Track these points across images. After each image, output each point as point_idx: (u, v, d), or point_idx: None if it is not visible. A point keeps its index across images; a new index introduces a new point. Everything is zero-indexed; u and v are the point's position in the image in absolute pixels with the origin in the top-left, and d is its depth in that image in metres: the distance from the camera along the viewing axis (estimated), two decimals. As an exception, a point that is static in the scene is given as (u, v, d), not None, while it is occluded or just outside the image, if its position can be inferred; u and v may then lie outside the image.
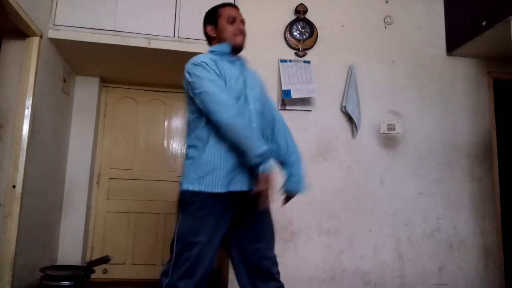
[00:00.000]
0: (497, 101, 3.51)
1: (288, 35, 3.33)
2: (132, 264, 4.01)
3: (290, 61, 3.28)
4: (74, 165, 3.85)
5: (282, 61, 3.26)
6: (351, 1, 3.48)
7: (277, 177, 1.67)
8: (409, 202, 3.27)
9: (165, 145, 4.29)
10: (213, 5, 1.96)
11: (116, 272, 3.96)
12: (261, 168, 1.56)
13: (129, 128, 4.22)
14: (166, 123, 4.32)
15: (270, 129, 1.98)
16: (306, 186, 1.94)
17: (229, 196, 1.66)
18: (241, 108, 1.72)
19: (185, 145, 1.87)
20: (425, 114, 3.39)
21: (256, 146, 1.59)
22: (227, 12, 1.88)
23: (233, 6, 1.94)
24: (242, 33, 1.88)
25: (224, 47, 1.86)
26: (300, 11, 3.35)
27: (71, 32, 3.13)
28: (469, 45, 3.28)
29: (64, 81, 3.58)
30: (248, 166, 1.62)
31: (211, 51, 1.87)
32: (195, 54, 3.24)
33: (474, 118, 3.44)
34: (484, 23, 3.02)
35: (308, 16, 3.36)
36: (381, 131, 3.26)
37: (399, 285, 3.14)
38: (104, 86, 4.21)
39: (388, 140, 3.31)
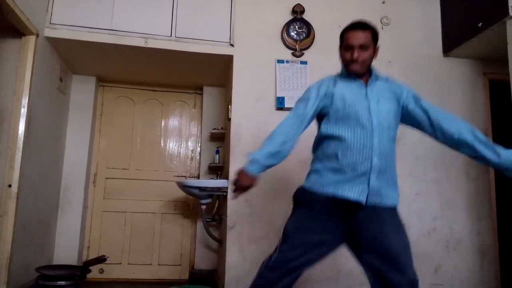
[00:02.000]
0: (493, 102, 3.52)
1: (285, 35, 3.33)
2: (129, 264, 4.01)
3: (287, 61, 3.29)
4: (71, 165, 3.84)
5: (279, 61, 3.27)
6: (347, 2, 3.49)
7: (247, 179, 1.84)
8: (406, 202, 3.26)
9: (162, 144, 4.28)
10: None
11: (113, 272, 3.96)
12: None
13: (126, 127, 4.22)
14: (163, 123, 4.32)
15: (432, 128, 1.88)
16: None
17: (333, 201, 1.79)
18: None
19: None
20: (422, 114, 3.40)
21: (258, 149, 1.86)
22: (346, 39, 1.92)
23: (355, 28, 1.89)
24: (355, 61, 1.88)
25: (342, 67, 1.99)
26: (297, 11, 3.35)
27: (68, 31, 3.12)
28: (465, 46, 3.30)
29: (61, 80, 3.57)
30: None
31: (339, 72, 2.02)
32: (192, 54, 3.29)
33: (470, 119, 3.45)
34: (480, 24, 3.04)
35: (305, 16, 3.37)
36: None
37: (395, 285, 3.14)
38: (100, 85, 4.21)
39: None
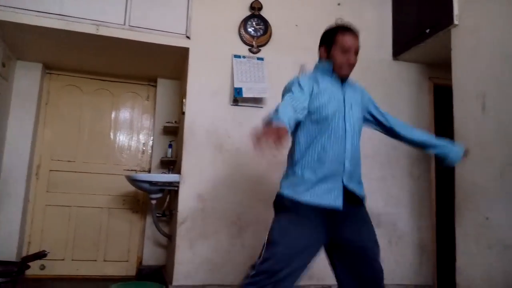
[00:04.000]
0: (437, 106, 3.73)
1: (242, 31, 3.33)
2: (72, 260, 3.85)
3: (244, 57, 3.29)
4: (11, 155, 3.63)
5: (235, 56, 3.26)
6: (305, 1, 3.55)
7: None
8: (353, 199, 3.39)
9: (112, 137, 4.15)
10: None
11: (55, 268, 3.79)
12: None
13: (73, 118, 4.04)
14: (113, 114, 4.18)
15: (393, 133, 2.16)
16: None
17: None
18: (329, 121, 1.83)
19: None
20: (371, 115, 3.53)
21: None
22: (342, 40, 1.87)
23: (351, 32, 1.90)
24: (350, 65, 1.90)
25: (325, 65, 1.92)
26: (255, 8, 3.36)
27: (12, 13, 2.94)
28: (413, 51, 3.46)
29: (3, 65, 3.36)
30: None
31: (315, 67, 1.98)
32: (146, 44, 3.20)
33: (415, 120, 3.63)
34: (428, 31, 3.20)
35: (263, 13, 3.38)
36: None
37: (341, 279, 3.25)
38: (47, 73, 4.00)
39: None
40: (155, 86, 4.24)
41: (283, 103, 1.73)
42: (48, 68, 3.98)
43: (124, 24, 3.15)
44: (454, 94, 2.93)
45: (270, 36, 3.38)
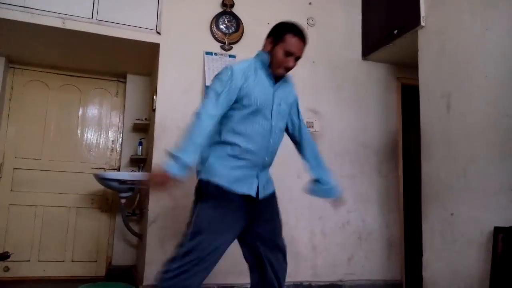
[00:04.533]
0: (404, 105, 3.82)
1: (214, 28, 3.31)
2: (39, 261, 3.73)
3: (216, 54, 3.27)
4: (-28, 153, 3.47)
5: (207, 53, 3.24)
6: (276, 0, 3.55)
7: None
8: (324, 196, 3.43)
9: (79, 134, 4.03)
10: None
11: (20, 270, 3.66)
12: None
13: (39, 114, 3.90)
14: (80, 111, 4.07)
15: (300, 146, 2.21)
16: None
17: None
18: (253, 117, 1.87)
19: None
20: (340, 113, 3.59)
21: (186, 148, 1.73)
22: (290, 42, 1.86)
23: (301, 38, 1.89)
24: (287, 69, 1.91)
25: (265, 59, 1.92)
26: (227, 5, 3.35)
27: (-28, 4, 2.81)
28: (382, 51, 3.53)
29: (-38, 58, 3.20)
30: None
31: (258, 56, 1.97)
32: (115, 39, 3.13)
33: (383, 119, 3.71)
34: (395, 32, 3.27)
35: (235, 10, 3.37)
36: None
37: (312, 275, 3.30)
38: (10, 67, 3.85)
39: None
40: (125, 82, 4.15)
41: (196, 128, 1.75)
42: (12, 62, 3.83)
43: (92, 18, 3.06)
44: (420, 94, 3.01)
45: (242, 33, 3.37)
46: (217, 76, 1.88)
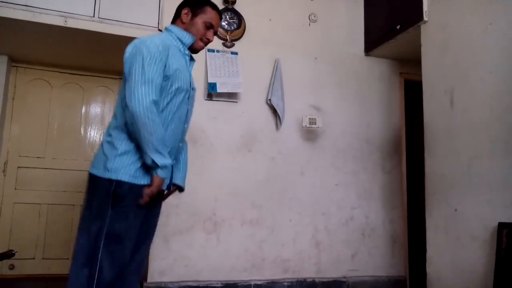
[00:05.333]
0: (407, 100, 3.81)
1: (215, 24, 3.29)
2: (43, 258, 3.76)
3: (218, 51, 3.26)
4: (-24, 152, 3.49)
5: (209, 50, 3.23)
6: (278, -4, 3.54)
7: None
8: (327, 192, 3.43)
9: (82, 132, 4.04)
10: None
11: (25, 268, 3.68)
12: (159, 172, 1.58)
13: (42, 113, 3.92)
14: (83, 109, 4.07)
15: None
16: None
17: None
18: (181, 103, 1.72)
19: None
20: (343, 110, 3.58)
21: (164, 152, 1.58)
22: (210, 15, 1.80)
23: (219, 13, 1.85)
24: (207, 43, 1.84)
25: (188, 39, 1.78)
26: (229, 1, 3.33)
27: (-26, 3, 2.81)
28: (385, 47, 3.51)
29: (-35, 57, 3.21)
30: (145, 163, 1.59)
31: (172, 32, 1.78)
32: (117, 37, 3.13)
33: (386, 115, 3.70)
34: (398, 27, 3.25)
35: (237, 7, 3.36)
36: (303, 125, 3.38)
37: (316, 271, 3.30)
38: (13, 66, 3.86)
39: (309, 134, 3.44)
40: (127, 80, 4.15)
41: (155, 127, 1.54)
42: (15, 61, 3.83)
43: (94, 16, 3.06)
44: (423, 89, 3.00)
45: (244, 30, 3.36)
46: (139, 58, 1.62)
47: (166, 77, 1.64)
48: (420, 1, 3.01)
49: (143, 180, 1.61)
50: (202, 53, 3.20)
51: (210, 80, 3.14)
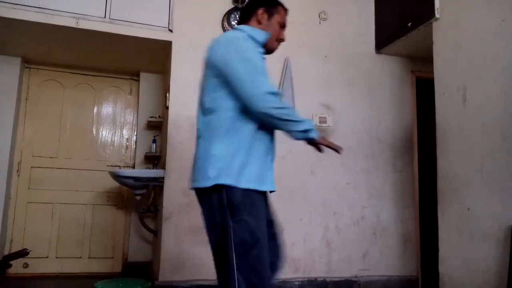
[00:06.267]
0: (419, 98, 3.77)
1: (226, 24, 3.30)
2: (56, 257, 3.80)
3: (227, 50, 3.26)
4: (-10, 152, 3.54)
5: (219, 50, 3.23)
6: (288, -6, 3.53)
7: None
8: (337, 191, 3.42)
9: (94, 132, 4.08)
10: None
11: (39, 266, 3.73)
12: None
13: (54, 113, 3.96)
14: (95, 109, 4.11)
15: None
16: None
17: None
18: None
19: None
20: (354, 108, 3.56)
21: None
22: (283, 15, 1.81)
23: (287, 12, 1.86)
24: (280, 42, 1.84)
25: (262, 36, 1.72)
26: (239, 0, 3.34)
27: (-12, 6, 2.85)
28: (396, 44, 3.48)
29: (-21, 59, 3.26)
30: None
31: (249, 36, 1.68)
32: (128, 37, 3.15)
33: (397, 113, 3.67)
34: (409, 24, 3.22)
35: (246, 6, 3.35)
36: (314, 123, 3.36)
37: (326, 271, 3.29)
38: (26, 67, 3.91)
39: (320, 132, 3.41)
40: (138, 80, 4.18)
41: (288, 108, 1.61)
42: (28, 62, 3.89)
43: (105, 17, 3.09)
44: (435, 87, 2.96)
45: (253, 29, 3.35)
46: (249, 57, 1.58)
47: None
48: (431, -2, 2.98)
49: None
50: (212, 52, 3.23)
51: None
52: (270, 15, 1.76)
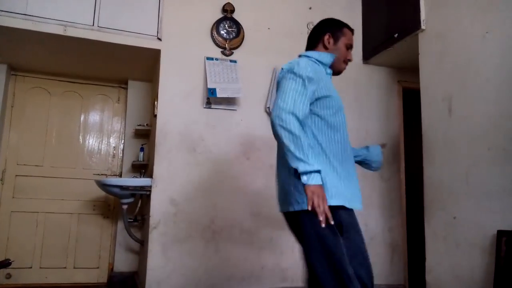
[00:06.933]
0: (405, 108, 3.82)
1: (215, 33, 3.31)
2: (40, 267, 3.73)
3: (217, 59, 3.27)
4: (-26, 160, 3.48)
5: (208, 58, 3.24)
6: (277, 5, 3.56)
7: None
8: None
9: (81, 140, 4.04)
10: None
11: (22, 277, 3.65)
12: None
13: (40, 121, 3.92)
14: (82, 117, 4.07)
15: None
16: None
17: None
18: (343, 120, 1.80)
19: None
20: (343, 117, 3.57)
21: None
22: (349, 36, 1.85)
23: (353, 32, 1.91)
24: (347, 63, 1.88)
25: (327, 58, 1.81)
26: (228, 10, 3.36)
27: (-26, 12, 2.82)
28: (383, 55, 3.53)
29: (-36, 66, 3.21)
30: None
31: (316, 60, 1.79)
32: (116, 45, 3.14)
33: (384, 123, 3.71)
34: (396, 35, 3.27)
35: (236, 16, 3.38)
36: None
37: (315, 280, 3.27)
38: (12, 74, 3.86)
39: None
40: (126, 88, 4.16)
41: (296, 137, 1.53)
42: (14, 69, 3.84)
43: (93, 25, 3.08)
44: (422, 97, 3.01)
45: (242, 38, 3.38)
46: (298, 74, 1.64)
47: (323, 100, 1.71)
48: (417, 9, 3.04)
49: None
50: (201, 61, 3.24)
51: (210, 86, 3.15)
52: (336, 39, 1.84)
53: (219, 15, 3.36)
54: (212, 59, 3.25)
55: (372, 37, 3.64)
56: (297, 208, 1.63)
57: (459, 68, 2.69)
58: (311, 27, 3.59)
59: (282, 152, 1.62)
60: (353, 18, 3.78)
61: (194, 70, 3.24)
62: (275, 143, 3.45)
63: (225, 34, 3.33)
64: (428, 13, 2.99)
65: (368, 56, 3.67)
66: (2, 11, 2.88)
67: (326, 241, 1.56)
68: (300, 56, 1.86)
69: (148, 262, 2.96)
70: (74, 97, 4.06)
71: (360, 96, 3.67)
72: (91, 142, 4.08)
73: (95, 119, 4.13)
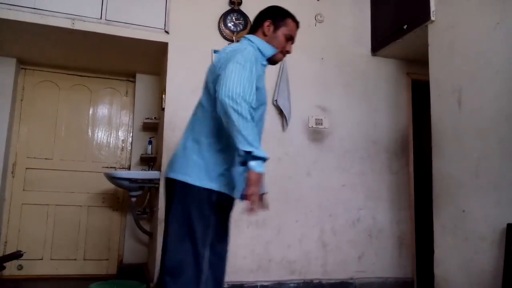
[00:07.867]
0: (414, 101, 3.78)
1: (222, 26, 3.30)
2: (51, 259, 3.78)
3: (223, 52, 3.26)
4: (-15, 153, 3.52)
5: (215, 51, 3.23)
6: (284, -3, 3.53)
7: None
8: (333, 193, 3.42)
9: (90, 134, 4.07)
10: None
11: (33, 268, 3.71)
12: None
13: (50, 114, 3.95)
14: (91, 111, 4.10)
15: None
16: None
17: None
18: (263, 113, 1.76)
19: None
20: (350, 110, 3.56)
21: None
22: (291, 27, 1.82)
23: (298, 25, 1.87)
24: (286, 54, 1.85)
25: (269, 51, 1.77)
26: (235, 2, 3.34)
27: (-17, 6, 2.84)
28: (391, 47, 3.49)
29: (-26, 60, 3.25)
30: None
31: (253, 43, 1.75)
32: (124, 38, 3.15)
33: (393, 116, 3.68)
34: (405, 27, 3.23)
35: (243, 8, 3.36)
36: (310, 125, 3.38)
37: (322, 273, 3.28)
38: (22, 68, 3.90)
39: (316, 134, 3.43)
40: (134, 82, 4.18)
41: (249, 123, 1.46)
42: (23, 63, 3.87)
43: (101, 18, 3.08)
44: (431, 90, 2.98)
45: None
46: (243, 63, 1.57)
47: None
48: (427, 0, 2.99)
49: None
50: (208, 54, 3.23)
51: (216, 81, 3.13)
52: (276, 28, 1.79)
53: (226, 7, 3.35)
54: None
55: (381, 29, 3.60)
56: (193, 182, 1.70)
57: (469, 60, 2.65)
58: (320, 18, 3.59)
59: (202, 128, 1.73)
60: (362, 9, 3.74)
61: (201, 63, 3.22)
62: (282, 136, 3.45)
63: (232, 27, 3.32)
64: (438, 4, 2.95)
65: (376, 48, 3.64)
66: (11, 4, 2.89)
67: (193, 223, 1.72)
68: (244, 38, 1.82)
69: (157, 254, 2.98)
70: (82, 90, 4.08)
71: (368, 89, 3.64)
72: (100, 135, 4.11)
73: (104, 112, 4.15)
